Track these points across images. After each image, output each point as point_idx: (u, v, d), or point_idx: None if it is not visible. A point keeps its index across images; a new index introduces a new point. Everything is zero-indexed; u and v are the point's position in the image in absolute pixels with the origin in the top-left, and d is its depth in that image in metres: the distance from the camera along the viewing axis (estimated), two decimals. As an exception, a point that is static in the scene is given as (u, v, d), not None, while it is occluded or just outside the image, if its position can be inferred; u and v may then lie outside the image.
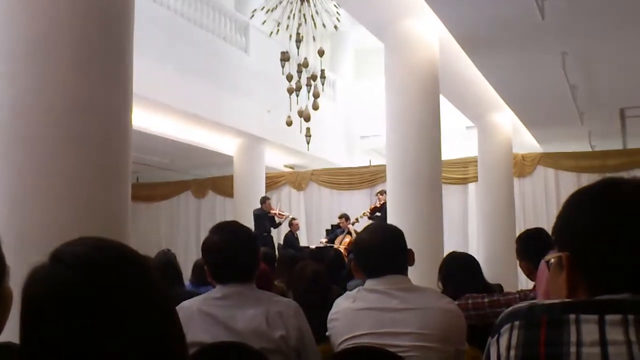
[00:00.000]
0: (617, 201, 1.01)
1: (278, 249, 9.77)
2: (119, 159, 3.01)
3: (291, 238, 10.85)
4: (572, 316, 0.93)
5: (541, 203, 11.32)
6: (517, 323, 0.98)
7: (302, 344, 2.09)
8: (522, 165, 11.57)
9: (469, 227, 11.85)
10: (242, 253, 2.08)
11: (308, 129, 8.98)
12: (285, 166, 13.98)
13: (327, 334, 2.16)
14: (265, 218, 10.61)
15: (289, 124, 8.94)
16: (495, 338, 1.01)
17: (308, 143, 9.24)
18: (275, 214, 10.92)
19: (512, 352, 0.96)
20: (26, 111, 2.78)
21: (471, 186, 11.77)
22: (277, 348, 2.01)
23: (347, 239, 9.99)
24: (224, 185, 12.94)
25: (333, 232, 10.90)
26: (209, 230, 2.15)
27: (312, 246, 10.20)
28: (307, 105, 8.85)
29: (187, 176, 14.10)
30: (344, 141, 14.22)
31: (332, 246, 9.76)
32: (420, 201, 6.49)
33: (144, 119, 8.94)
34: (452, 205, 11.37)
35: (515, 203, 10.55)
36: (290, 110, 8.81)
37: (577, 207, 1.05)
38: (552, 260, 1.08)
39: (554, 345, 0.92)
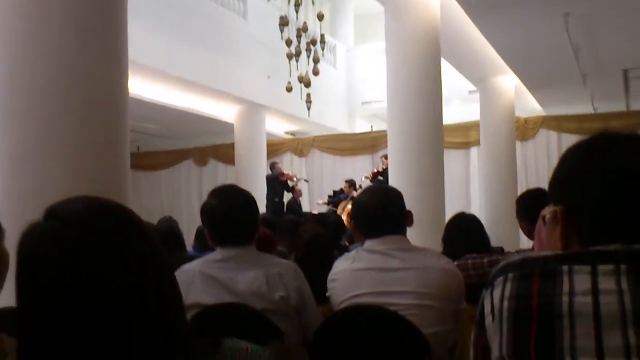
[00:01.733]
0: (609, 153, 1.01)
1: (287, 214, 9.86)
2: (117, 126, 2.99)
3: (294, 204, 10.91)
4: (565, 267, 0.93)
5: (543, 166, 11.31)
6: (510, 275, 0.99)
7: (302, 305, 2.11)
8: (525, 129, 11.53)
9: (470, 191, 11.88)
10: (241, 215, 2.08)
11: (308, 95, 8.92)
12: (287, 133, 13.94)
13: (327, 294, 2.18)
14: (276, 183, 10.70)
15: (289, 90, 8.88)
16: (488, 290, 1.02)
17: (309, 109, 9.20)
18: (287, 177, 11.01)
19: (505, 303, 0.97)
20: (20, 81, 2.76)
21: (473, 150, 11.75)
22: (277, 309, 2.03)
23: (350, 206, 10.02)
24: (225, 153, 12.94)
25: (336, 197, 10.94)
26: (208, 194, 2.15)
27: (315, 212, 10.25)
28: (307, 71, 8.77)
29: (187, 144, 14.08)
30: (345, 107, 14.14)
31: (335, 211, 9.80)
32: (421, 166, 6.48)
33: (142, 86, 8.90)
34: (454, 169, 11.38)
35: (517, 166, 10.53)
36: (290, 76, 8.74)
37: (570, 161, 1.05)
38: (548, 215, 1.08)
39: (546, 295, 0.92)
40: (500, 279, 1.01)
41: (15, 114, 2.76)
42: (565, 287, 0.92)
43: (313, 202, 12.48)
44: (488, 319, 1.01)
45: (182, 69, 8.88)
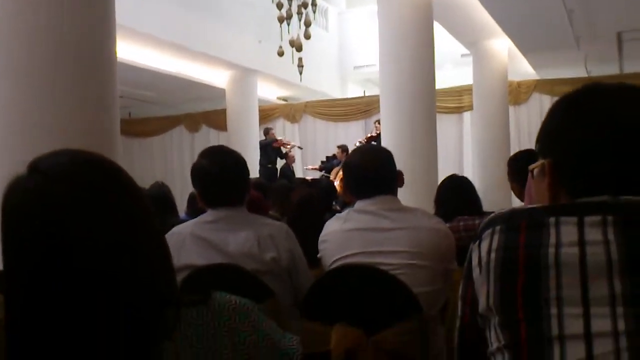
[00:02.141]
0: (597, 105, 1.01)
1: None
2: (106, 92, 2.95)
3: (287, 170, 10.91)
4: (552, 219, 0.94)
5: (536, 130, 10.88)
6: (497, 228, 0.99)
7: (293, 266, 2.12)
8: (518, 93, 11.50)
9: (464, 156, 11.88)
10: (231, 175, 2.07)
11: (300, 59, 8.85)
12: (279, 98, 13.85)
13: (318, 256, 2.18)
14: (270, 149, 10.67)
15: (281, 54, 8.79)
16: (476, 244, 1.02)
17: (301, 74, 9.13)
18: (280, 143, 10.97)
19: (493, 255, 0.97)
20: (6, 44, 2.71)
21: (466, 115, 11.72)
22: (269, 270, 2.04)
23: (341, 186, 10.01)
24: (217, 119, 12.86)
25: (329, 163, 10.93)
26: (198, 155, 2.13)
27: (308, 178, 10.26)
28: (298, 35, 8.68)
29: (179, 111, 13.99)
30: (337, 72, 14.03)
31: (327, 177, 9.80)
32: (414, 131, 6.48)
33: (133, 51, 8.79)
34: (447, 134, 11.37)
35: (510, 131, 10.52)
36: (282, 40, 8.64)
37: (558, 113, 1.04)
38: (536, 168, 1.08)
39: (533, 247, 0.93)
40: (488, 232, 1.01)
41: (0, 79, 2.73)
42: (552, 239, 0.92)
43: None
44: (475, 271, 1.02)
45: (172, 33, 8.77)
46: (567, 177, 1.00)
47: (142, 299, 0.88)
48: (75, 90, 2.78)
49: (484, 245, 1.00)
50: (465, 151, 11.81)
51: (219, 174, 2.04)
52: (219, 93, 11.40)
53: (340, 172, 10.02)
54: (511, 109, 10.96)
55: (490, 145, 9.97)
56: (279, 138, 11.27)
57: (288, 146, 11.24)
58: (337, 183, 8.69)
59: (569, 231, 0.92)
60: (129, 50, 8.52)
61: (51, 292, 0.86)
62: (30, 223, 0.86)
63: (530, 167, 1.10)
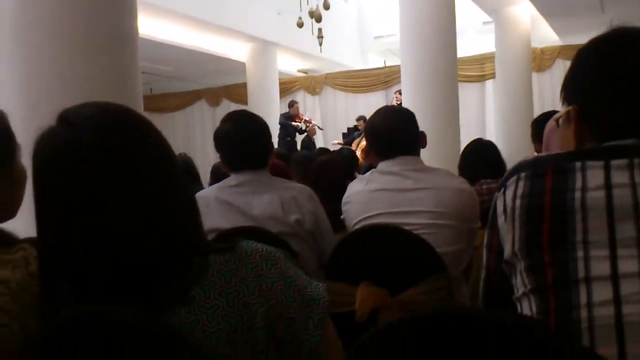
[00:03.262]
0: (624, 49, 0.99)
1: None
2: (127, 68, 2.95)
3: (308, 143, 10.89)
4: (578, 164, 0.93)
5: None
6: (523, 174, 0.99)
7: (317, 228, 2.13)
8: (541, 59, 11.29)
9: (486, 125, 11.75)
10: (254, 139, 2.08)
11: (320, 30, 8.79)
12: (299, 71, 13.79)
13: (341, 217, 2.19)
14: (290, 127, 10.59)
15: (300, 25, 8.73)
16: (501, 191, 1.02)
17: (320, 45, 9.07)
18: (301, 120, 10.90)
19: (518, 202, 0.97)
20: (27, 20, 2.72)
21: (488, 83, 11.56)
22: (293, 232, 2.05)
23: (365, 142, 9.96)
24: (237, 93, 12.87)
25: (350, 135, 10.89)
26: (221, 120, 2.14)
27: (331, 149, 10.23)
28: (317, 6, 8.59)
29: (200, 85, 14.01)
30: (357, 42, 13.90)
31: (349, 147, 9.78)
32: (436, 101, 6.40)
33: (153, 27, 8.78)
34: (469, 103, 11.22)
35: (533, 99, 10.36)
36: (301, 11, 8.57)
37: (585, 58, 1.03)
38: (562, 116, 1.07)
39: (559, 192, 0.92)
40: (513, 179, 1.00)
41: (24, 55, 2.74)
42: (578, 183, 0.92)
43: (327, 140, 12.45)
44: (500, 219, 1.02)
45: (191, 7, 8.74)
46: (593, 122, 0.99)
47: (171, 247, 0.89)
48: (97, 68, 2.78)
49: (509, 192, 1.00)
50: (487, 120, 11.67)
51: (241, 138, 2.05)
52: (239, 67, 11.38)
53: (362, 142, 10.01)
54: (534, 76, 10.77)
55: (513, 114, 9.83)
56: (301, 114, 11.15)
57: (310, 124, 11.12)
58: (358, 153, 8.66)
59: (595, 175, 0.91)
60: (148, 25, 8.52)
61: (82, 243, 0.88)
62: (60, 173, 0.88)
63: (555, 116, 1.09)
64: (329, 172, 2.89)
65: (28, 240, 1.10)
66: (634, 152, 0.91)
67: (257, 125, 2.11)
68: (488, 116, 11.63)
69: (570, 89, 1.05)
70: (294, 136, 10.85)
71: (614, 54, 0.99)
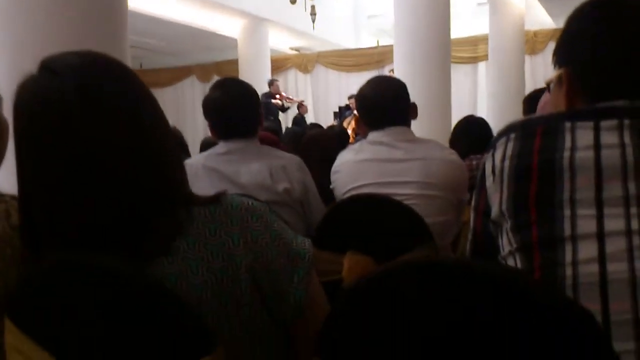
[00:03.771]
0: (615, 10, 0.98)
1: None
2: (116, 41, 2.89)
3: (300, 120, 10.85)
4: (568, 124, 0.92)
5: None
6: (512, 135, 0.98)
7: (306, 197, 2.13)
8: (534, 42, 11.28)
9: (478, 107, 11.74)
10: (243, 106, 2.06)
11: (313, 7, 8.74)
12: (291, 49, 13.70)
13: (330, 187, 2.18)
14: (271, 105, 10.49)
15: (293, 2, 8.67)
16: (490, 153, 1.01)
17: (313, 22, 9.02)
18: (283, 97, 10.81)
19: (507, 162, 0.96)
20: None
21: (481, 65, 11.54)
22: (281, 200, 2.04)
23: (354, 121, 9.93)
24: (228, 70, 12.75)
25: (342, 115, 10.86)
26: (209, 88, 2.12)
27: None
28: (311, -18, 8.53)
29: (191, 61, 13.90)
30: (350, 21, 13.82)
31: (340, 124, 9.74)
32: (428, 82, 6.38)
33: (144, 0, 8.68)
34: (462, 85, 11.22)
35: (526, 81, 10.36)
36: (294, -14, 8.50)
37: (576, 20, 1.02)
38: (553, 79, 1.06)
39: (547, 151, 0.92)
40: (502, 140, 1.00)
41: (13, 28, 2.69)
42: (567, 143, 0.91)
43: (318, 118, 12.41)
44: (489, 180, 1.01)
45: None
46: (585, 83, 0.98)
47: (156, 198, 0.88)
48: (85, 40, 2.72)
49: (498, 153, 0.99)
50: (479, 102, 11.67)
51: (230, 105, 2.03)
52: (231, 43, 11.29)
53: (352, 122, 9.97)
54: (527, 58, 10.77)
55: (506, 96, 9.83)
56: (281, 92, 11.00)
57: (290, 101, 11.00)
58: (349, 132, 8.64)
59: (585, 135, 0.91)
60: (140, -2, 8.43)
61: (63, 193, 0.86)
62: (44, 123, 0.86)
63: (546, 80, 1.09)
64: (319, 144, 2.87)
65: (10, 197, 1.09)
66: (624, 113, 0.91)
67: (247, 92, 2.09)
68: (480, 98, 11.62)
69: (562, 51, 1.04)
70: (277, 115, 10.75)
71: (606, 16, 0.99)
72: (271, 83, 10.63)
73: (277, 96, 10.63)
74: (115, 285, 0.82)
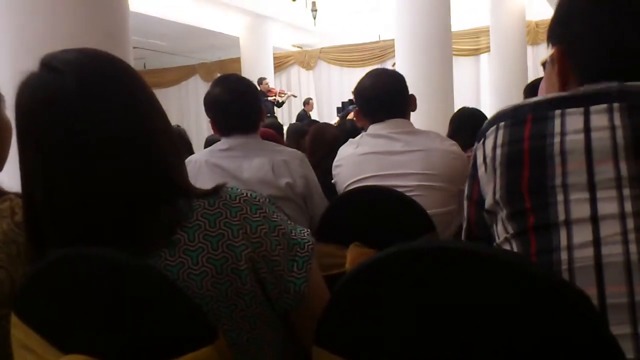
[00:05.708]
0: None
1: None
2: (118, 42, 2.90)
3: (304, 116, 10.85)
4: (558, 111, 0.93)
5: None
6: (502, 124, 0.98)
7: (308, 192, 2.14)
8: (536, 33, 11.25)
9: (481, 99, 11.73)
10: (244, 102, 2.07)
11: (314, 3, 8.71)
12: (293, 46, 13.70)
13: (332, 181, 2.20)
14: (266, 100, 10.46)
15: (294, -2, 8.67)
16: (481, 142, 1.01)
17: (314, 18, 9.00)
18: (274, 92, 10.77)
19: (498, 151, 0.97)
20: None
21: (483, 57, 11.52)
22: (284, 195, 2.06)
23: (355, 114, 9.91)
24: (232, 68, 12.75)
25: (345, 110, 10.85)
26: (210, 84, 2.14)
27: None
28: (311, -22, 8.53)
29: (194, 60, 13.94)
30: (351, 16, 13.78)
31: (351, 120, 9.73)
32: (430, 75, 6.38)
33: (147, 1, 8.70)
34: (464, 78, 11.20)
35: (528, 72, 10.33)
36: (295, -16, 8.50)
37: (567, 1, 1.03)
38: (547, 59, 1.07)
39: (538, 137, 0.92)
40: (492, 129, 1.00)
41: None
42: (557, 128, 0.91)
43: (322, 114, 12.41)
44: (481, 170, 1.01)
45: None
46: (575, 61, 0.99)
47: (156, 190, 0.89)
48: (87, 42, 2.74)
49: (489, 142, 0.99)
50: (482, 94, 11.65)
51: (231, 101, 2.04)
52: (234, 41, 11.31)
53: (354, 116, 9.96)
54: (529, 49, 10.73)
55: (508, 88, 9.79)
56: (272, 88, 10.96)
57: (284, 94, 10.97)
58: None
59: (574, 119, 0.91)
60: (143, 0, 8.43)
61: (68, 187, 0.88)
62: (45, 119, 0.87)
63: (541, 60, 1.09)
64: (324, 136, 2.88)
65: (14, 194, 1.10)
66: (613, 96, 0.91)
67: (247, 88, 2.11)
68: (483, 90, 11.60)
69: (554, 30, 1.04)
70: (274, 111, 10.73)
71: None
72: (260, 82, 10.61)
73: (268, 93, 10.61)
74: (119, 278, 0.84)
